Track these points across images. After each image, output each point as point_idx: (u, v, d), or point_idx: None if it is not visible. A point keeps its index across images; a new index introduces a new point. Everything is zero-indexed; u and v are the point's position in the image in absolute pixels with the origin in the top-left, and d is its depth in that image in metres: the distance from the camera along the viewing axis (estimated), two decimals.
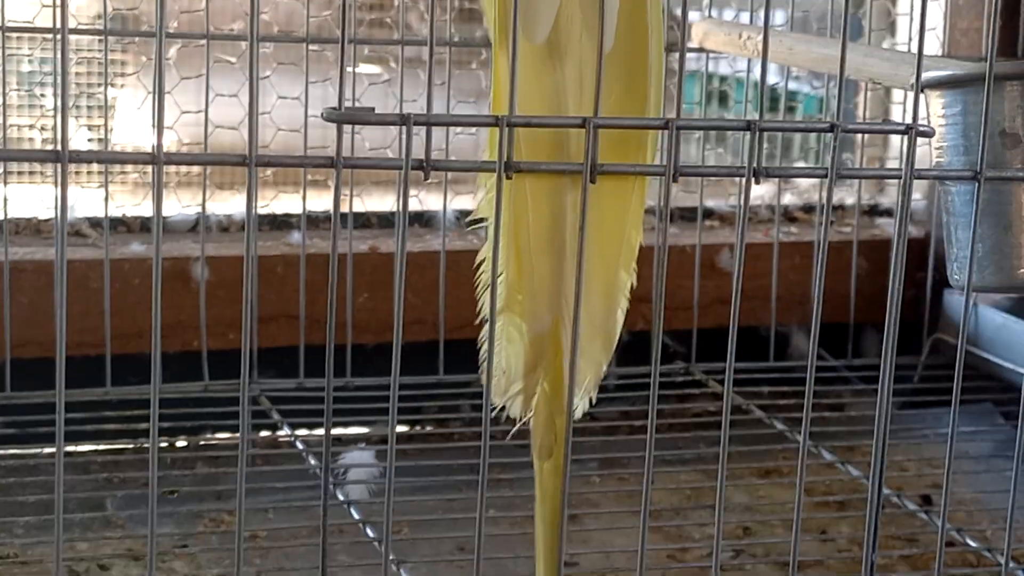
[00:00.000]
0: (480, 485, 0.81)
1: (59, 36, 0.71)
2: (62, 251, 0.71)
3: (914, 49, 1.60)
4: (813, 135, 1.97)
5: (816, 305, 0.83)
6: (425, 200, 1.85)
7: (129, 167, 1.72)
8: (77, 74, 1.72)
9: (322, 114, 0.76)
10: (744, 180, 0.80)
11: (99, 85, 1.66)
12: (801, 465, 0.85)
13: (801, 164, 2.05)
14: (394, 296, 0.76)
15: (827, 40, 1.46)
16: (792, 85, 2.04)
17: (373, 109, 0.77)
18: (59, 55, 0.65)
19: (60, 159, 0.70)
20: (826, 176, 0.82)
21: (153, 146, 0.73)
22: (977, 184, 0.83)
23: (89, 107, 1.77)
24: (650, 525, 1.45)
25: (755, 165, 0.80)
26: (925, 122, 0.83)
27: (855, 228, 1.85)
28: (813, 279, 1.79)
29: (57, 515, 0.74)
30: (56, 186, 0.71)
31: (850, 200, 1.99)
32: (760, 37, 1.47)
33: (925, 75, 0.89)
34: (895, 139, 1.94)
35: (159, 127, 0.72)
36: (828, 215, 0.82)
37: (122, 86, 1.77)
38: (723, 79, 2.00)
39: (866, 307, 1.83)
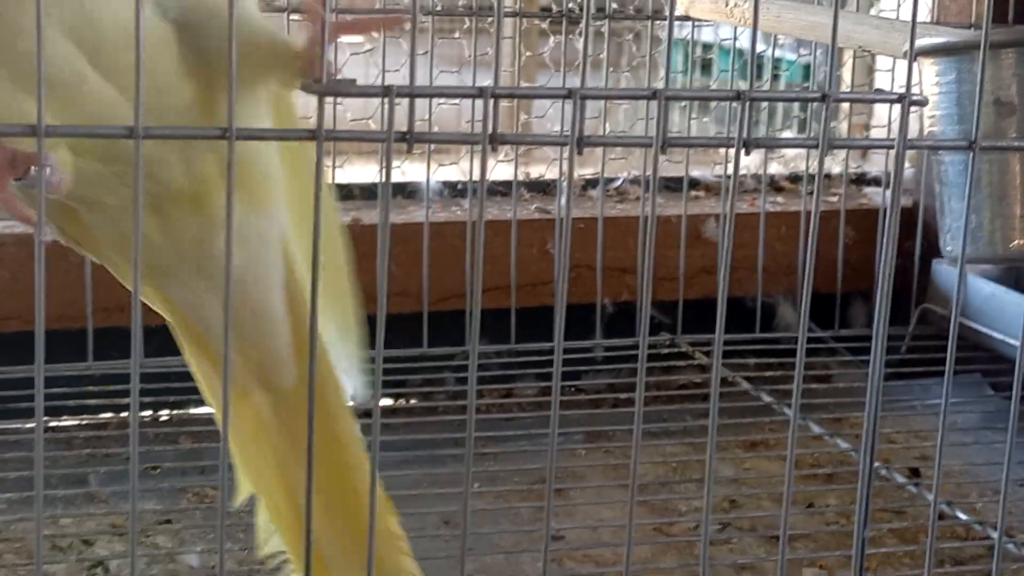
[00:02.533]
0: (467, 459, 0.80)
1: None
2: (40, 226, 0.69)
3: (902, 16, 1.59)
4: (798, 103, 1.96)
5: (807, 276, 0.82)
6: (408, 171, 1.83)
7: None
8: None
9: (302, 86, 0.75)
10: (734, 151, 0.79)
11: None
12: (791, 439, 0.84)
13: (788, 134, 2.04)
14: (378, 269, 0.75)
15: (815, 8, 1.44)
16: (776, 53, 2.02)
17: (355, 81, 0.75)
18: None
19: (37, 133, 0.68)
20: (817, 146, 0.80)
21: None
22: (972, 154, 0.82)
23: None
24: (637, 499, 1.45)
25: (744, 136, 0.79)
26: (917, 91, 0.82)
27: (842, 197, 1.84)
28: (800, 250, 1.78)
29: (37, 491, 0.72)
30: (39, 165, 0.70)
31: (836, 169, 1.98)
32: (747, 5, 1.45)
33: (918, 43, 0.87)
34: (880, 107, 1.93)
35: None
36: (820, 185, 0.81)
37: None
38: (707, 47, 1.99)
39: (853, 277, 1.82)
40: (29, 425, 1.49)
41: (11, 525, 1.35)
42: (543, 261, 1.73)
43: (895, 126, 0.80)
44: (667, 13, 1.77)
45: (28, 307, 1.51)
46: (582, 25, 1.83)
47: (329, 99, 0.75)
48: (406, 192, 1.82)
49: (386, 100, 0.73)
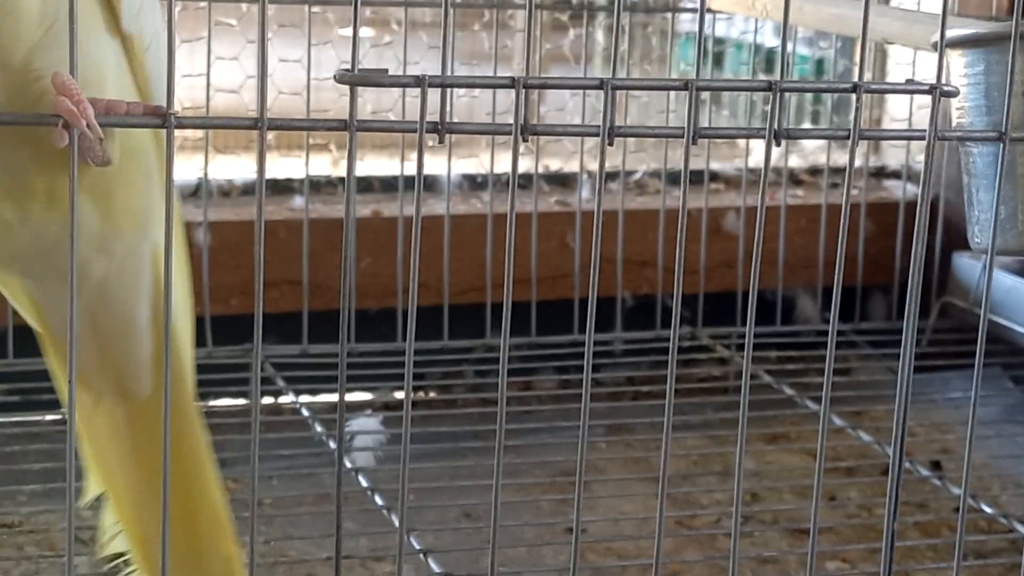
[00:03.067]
0: (497, 452, 0.80)
1: None
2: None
3: (923, 8, 1.59)
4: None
5: (838, 269, 0.81)
6: (428, 164, 1.83)
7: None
8: None
9: (335, 76, 0.74)
10: (761, 142, 0.78)
11: None
12: (822, 433, 0.84)
13: (807, 125, 2.03)
14: (410, 260, 0.75)
15: (836, 0, 1.44)
16: (789, 48, 2.02)
17: (387, 71, 0.75)
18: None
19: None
20: (848, 137, 0.80)
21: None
22: (1002, 145, 0.82)
23: None
24: (658, 492, 1.44)
25: (775, 127, 0.78)
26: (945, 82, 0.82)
27: (862, 190, 1.84)
28: (820, 242, 1.78)
29: (69, 483, 0.72)
30: None
31: (856, 162, 1.97)
32: None
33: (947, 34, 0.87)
34: (892, 99, 1.92)
35: (170, 86, 0.70)
36: (850, 177, 0.80)
37: None
38: (718, 41, 1.98)
39: (873, 270, 1.81)
40: (50, 417, 1.49)
41: (33, 517, 1.35)
42: (563, 254, 1.73)
43: (919, 118, 0.79)
44: (689, 5, 1.78)
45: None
46: (603, 18, 1.83)
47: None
48: (425, 185, 1.81)
49: (408, 91, 0.73)
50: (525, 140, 0.76)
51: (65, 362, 0.84)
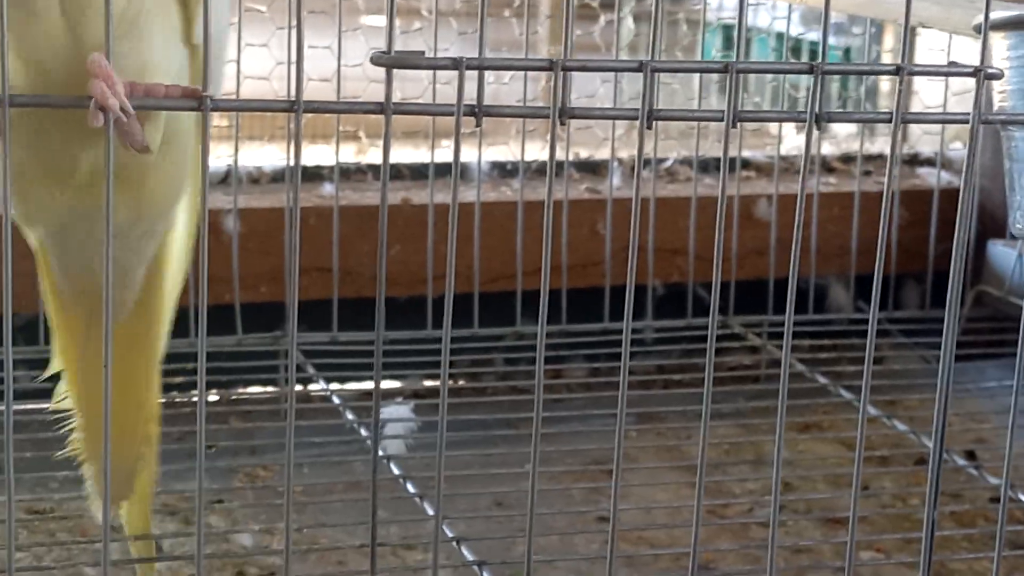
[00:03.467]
0: (534, 439, 0.79)
1: None
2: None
3: None
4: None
5: (879, 257, 0.80)
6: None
7: None
8: None
9: (371, 58, 0.74)
10: (807, 125, 0.77)
11: None
12: (861, 424, 0.83)
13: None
14: (447, 246, 0.74)
15: None
16: (813, 36, 2.01)
17: (423, 53, 0.74)
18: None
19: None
20: (890, 120, 0.79)
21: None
22: None
23: None
24: (690, 481, 1.44)
25: (817, 110, 0.77)
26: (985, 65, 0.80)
27: (895, 177, 1.83)
28: (853, 230, 1.76)
29: (106, 472, 0.72)
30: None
31: (889, 150, 1.96)
32: None
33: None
34: (924, 87, 1.91)
35: (205, 70, 0.70)
36: (893, 161, 0.79)
37: None
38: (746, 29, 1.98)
39: (906, 258, 1.80)
40: None
41: (65, 504, 1.34)
42: (593, 241, 1.72)
43: (951, 105, 0.78)
44: None
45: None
46: (633, 4, 1.82)
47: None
48: None
49: (439, 79, 0.72)
50: (563, 124, 0.76)
51: (55, 291, 0.98)
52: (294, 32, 0.71)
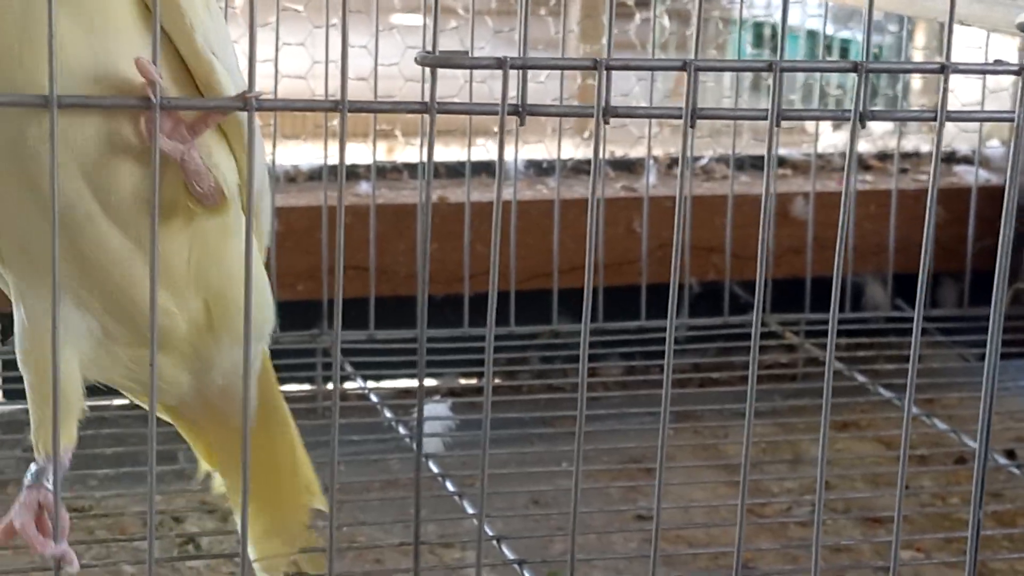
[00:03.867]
0: (577, 437, 0.79)
1: None
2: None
3: None
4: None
5: (926, 255, 0.80)
6: (493, 149, 1.82)
7: None
8: None
9: (416, 58, 0.74)
10: (851, 124, 0.77)
11: None
12: (906, 426, 0.82)
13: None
14: (491, 243, 0.74)
15: None
16: (844, 33, 2.01)
17: (467, 53, 0.74)
18: None
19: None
20: (934, 118, 0.79)
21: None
22: None
23: None
24: (727, 480, 1.43)
25: (861, 108, 0.77)
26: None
27: (937, 175, 1.81)
28: (891, 228, 1.75)
29: (151, 467, 0.72)
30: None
31: (925, 147, 1.95)
32: None
33: None
34: (961, 85, 1.90)
35: (251, 68, 0.70)
36: (937, 159, 0.79)
37: None
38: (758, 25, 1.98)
39: (943, 256, 1.79)
40: (118, 402, 1.49)
41: (104, 501, 1.35)
42: (629, 239, 1.71)
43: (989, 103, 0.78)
44: None
45: None
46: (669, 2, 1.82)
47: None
48: (491, 171, 1.81)
49: (475, 78, 0.72)
50: (607, 123, 0.76)
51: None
52: (332, 31, 0.71)
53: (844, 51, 2.21)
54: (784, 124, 0.77)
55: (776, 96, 0.76)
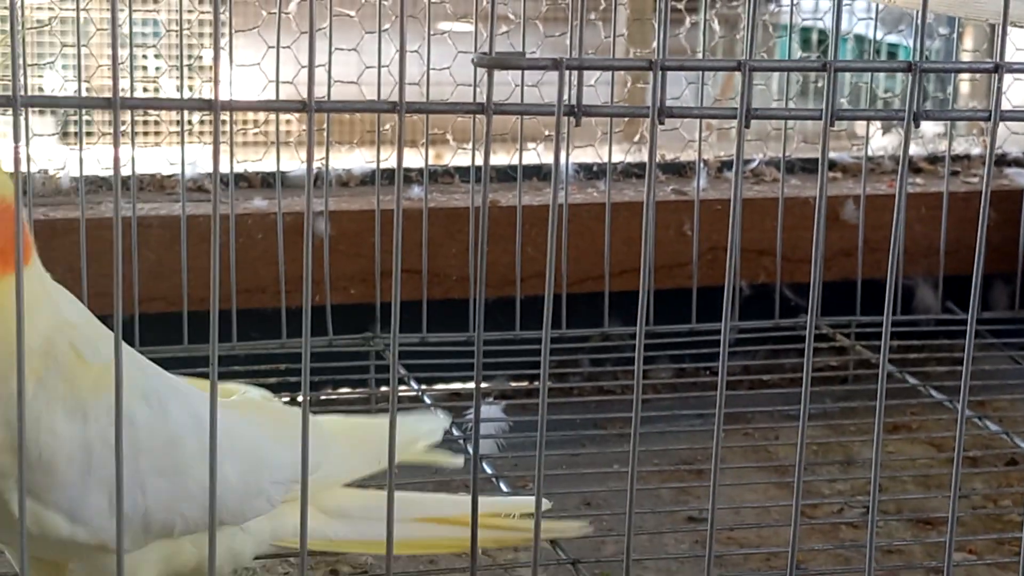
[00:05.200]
0: (632, 439, 0.80)
1: None
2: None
3: None
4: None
5: (979, 258, 0.80)
6: (543, 153, 1.83)
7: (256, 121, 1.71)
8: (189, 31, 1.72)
9: (473, 60, 0.75)
10: (905, 124, 0.78)
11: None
12: (960, 430, 0.83)
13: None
14: (547, 247, 0.75)
15: None
16: (892, 38, 2.01)
17: (523, 54, 0.75)
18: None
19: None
20: (988, 118, 0.79)
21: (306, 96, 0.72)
22: None
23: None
24: (778, 482, 1.44)
25: (915, 108, 0.77)
26: None
27: (991, 176, 1.81)
28: (942, 230, 1.75)
29: (212, 480, 0.73)
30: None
31: (976, 150, 1.95)
32: None
33: None
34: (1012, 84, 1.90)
35: (311, 73, 0.71)
36: (991, 159, 0.79)
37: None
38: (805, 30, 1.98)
39: (994, 258, 1.78)
40: None
41: None
42: (680, 243, 1.72)
43: None
44: None
45: (173, 288, 1.53)
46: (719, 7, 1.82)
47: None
48: (541, 174, 1.82)
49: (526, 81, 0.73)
50: (662, 123, 0.76)
51: None
52: (383, 36, 0.72)
53: (892, 55, 2.21)
54: (833, 127, 0.78)
55: (830, 95, 0.77)
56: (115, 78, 0.68)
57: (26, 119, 0.70)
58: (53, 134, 1.75)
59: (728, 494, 1.40)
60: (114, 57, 0.67)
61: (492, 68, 0.74)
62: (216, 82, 0.70)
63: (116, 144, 0.70)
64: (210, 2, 1.88)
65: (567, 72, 0.74)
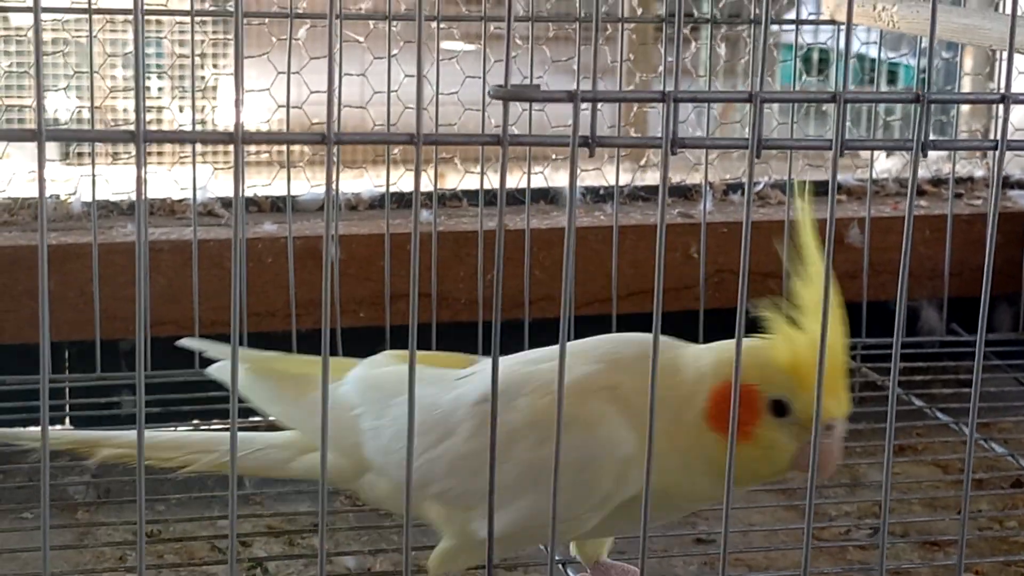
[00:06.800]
0: (647, 464, 0.81)
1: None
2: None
3: None
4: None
5: (986, 280, 0.82)
6: (551, 177, 1.85)
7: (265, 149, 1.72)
8: (182, 56, 1.73)
9: (488, 91, 0.76)
10: (912, 153, 0.79)
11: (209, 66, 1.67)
12: (969, 454, 0.84)
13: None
14: (563, 271, 0.76)
15: (965, 11, 1.43)
16: (892, 56, 2.02)
17: (539, 87, 0.76)
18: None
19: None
20: (995, 147, 0.80)
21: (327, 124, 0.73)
22: None
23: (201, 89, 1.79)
24: (786, 504, 1.44)
25: (923, 139, 0.79)
26: None
27: (996, 200, 1.83)
28: (946, 252, 1.76)
29: (232, 491, 0.74)
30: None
31: (978, 173, 1.96)
32: (895, 8, 1.45)
33: None
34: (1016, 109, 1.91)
35: (329, 105, 0.72)
36: (998, 187, 0.80)
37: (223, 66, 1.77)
38: (823, 52, 1.99)
39: (998, 280, 1.79)
40: (185, 429, 1.52)
41: (171, 526, 1.38)
42: (687, 265, 1.73)
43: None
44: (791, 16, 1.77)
45: (184, 312, 1.54)
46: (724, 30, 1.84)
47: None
48: (548, 197, 1.83)
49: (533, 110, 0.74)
50: (675, 153, 0.77)
51: None
52: (393, 62, 0.73)
53: (892, 74, 2.22)
54: (843, 156, 0.79)
55: (839, 127, 0.78)
56: (139, 112, 0.69)
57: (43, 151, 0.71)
58: (54, 159, 1.77)
59: (736, 516, 1.41)
60: (138, 92, 0.69)
61: (508, 100, 0.75)
62: (238, 116, 0.71)
63: (140, 180, 0.71)
64: (214, 23, 1.89)
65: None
